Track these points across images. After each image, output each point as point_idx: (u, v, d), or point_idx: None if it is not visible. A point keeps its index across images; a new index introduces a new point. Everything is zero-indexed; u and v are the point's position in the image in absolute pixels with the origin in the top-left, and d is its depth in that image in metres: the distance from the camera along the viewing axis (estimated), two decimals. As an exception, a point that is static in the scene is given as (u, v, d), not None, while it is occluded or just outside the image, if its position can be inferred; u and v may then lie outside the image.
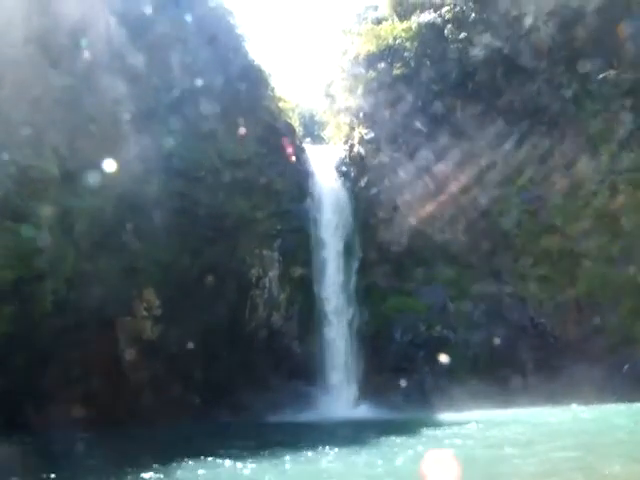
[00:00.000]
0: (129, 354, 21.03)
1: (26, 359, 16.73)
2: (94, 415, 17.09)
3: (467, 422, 16.01)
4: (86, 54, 19.26)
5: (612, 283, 21.86)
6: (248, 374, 21.69)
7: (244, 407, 20.51)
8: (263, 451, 12.59)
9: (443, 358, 21.53)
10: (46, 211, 17.01)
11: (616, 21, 23.17)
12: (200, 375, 21.13)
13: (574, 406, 18.53)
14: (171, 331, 21.60)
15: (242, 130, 24.17)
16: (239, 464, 11.30)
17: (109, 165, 20.67)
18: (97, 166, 20.49)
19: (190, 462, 11.57)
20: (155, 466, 11.18)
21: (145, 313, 21.73)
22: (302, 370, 22.87)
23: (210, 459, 11.75)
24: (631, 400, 18.68)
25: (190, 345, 21.07)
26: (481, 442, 13.18)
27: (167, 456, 12.14)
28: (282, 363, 22.84)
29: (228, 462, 11.53)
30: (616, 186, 22.86)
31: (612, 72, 23.20)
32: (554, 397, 19.08)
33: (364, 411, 21.22)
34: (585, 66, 23.37)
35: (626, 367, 20.39)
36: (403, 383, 21.49)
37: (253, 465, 11.29)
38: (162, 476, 10.63)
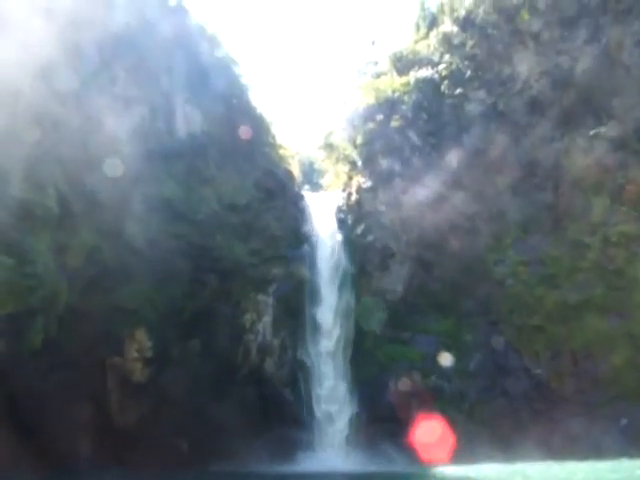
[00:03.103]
0: (117, 396, 20.66)
1: (7, 395, 16.34)
2: (77, 457, 16.61)
3: (462, 477, 15.51)
4: (93, 95, 19.84)
5: (607, 335, 21.75)
6: (238, 421, 21.17)
7: (233, 455, 19.93)
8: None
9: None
10: (43, 247, 17.08)
11: (604, 80, 24.04)
12: (189, 420, 20.60)
13: (571, 462, 18.03)
14: (161, 374, 21.27)
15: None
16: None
17: (109, 204, 21.01)
18: (97, 205, 20.83)
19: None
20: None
21: (136, 354, 21.46)
22: (293, 418, 22.38)
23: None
24: (630, 456, 18.26)
25: (180, 389, 20.72)
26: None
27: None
28: (273, 411, 22.35)
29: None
30: (609, 239, 23.08)
31: (602, 129, 23.87)
32: (551, 451, 18.62)
33: (355, 462, 20.63)
34: (576, 122, 24.10)
35: (624, 422, 19.98)
36: (396, 435, 20.96)
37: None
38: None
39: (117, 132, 21.90)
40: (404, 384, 23.26)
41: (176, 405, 20.45)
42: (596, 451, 18.85)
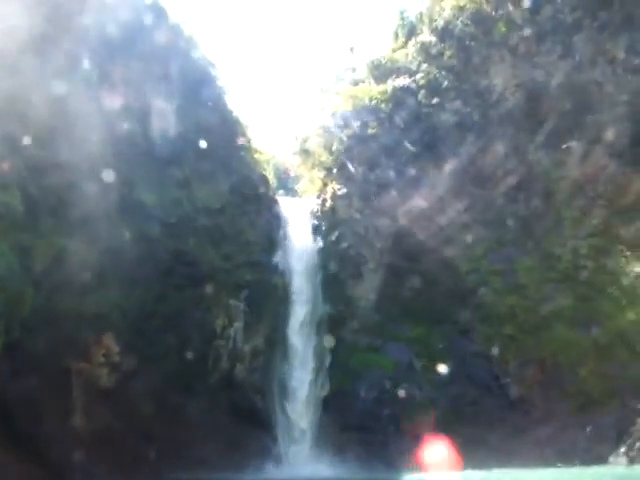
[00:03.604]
0: (82, 403, 20.10)
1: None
2: (38, 467, 16.07)
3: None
4: (63, 94, 19.36)
5: (575, 345, 22.16)
6: (207, 428, 20.83)
7: (201, 462, 19.59)
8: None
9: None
10: (5, 248, 16.54)
11: (577, 96, 24.56)
12: (157, 428, 20.15)
13: (538, 469, 18.32)
14: (129, 380, 20.79)
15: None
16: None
17: (78, 205, 20.50)
18: (65, 206, 20.30)
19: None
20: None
21: (103, 360, 20.93)
22: (263, 425, 22.14)
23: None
24: (595, 463, 18.75)
25: (148, 396, 20.29)
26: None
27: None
28: (243, 417, 22.05)
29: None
30: (578, 251, 23.54)
31: (574, 143, 24.38)
32: (519, 458, 18.84)
33: (325, 470, 20.48)
34: (549, 135, 24.55)
35: (589, 429, 20.36)
36: (366, 442, 20.93)
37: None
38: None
39: (88, 133, 21.46)
40: (375, 392, 23.25)
41: (144, 412, 19.99)
42: (562, 458, 19.22)
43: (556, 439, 20.35)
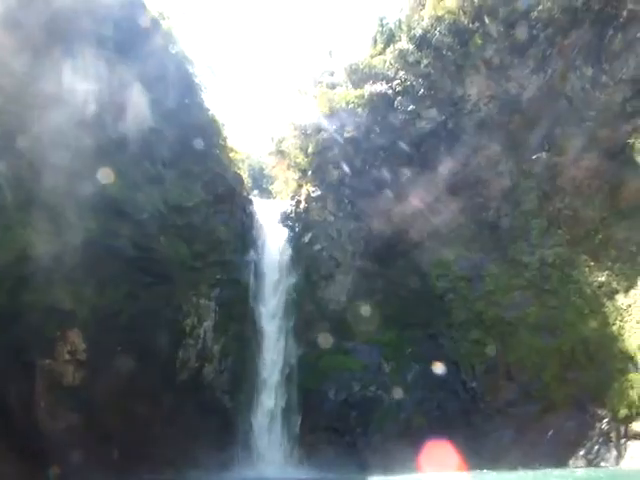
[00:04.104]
0: (46, 400, 19.59)
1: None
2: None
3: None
4: (35, 82, 18.91)
5: (539, 351, 22.75)
6: (174, 428, 20.57)
7: (167, 463, 19.35)
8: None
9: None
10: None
11: (548, 109, 25.27)
12: (122, 427, 19.78)
13: (501, 472, 18.77)
14: (94, 378, 20.36)
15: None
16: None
17: (45, 198, 20.01)
18: (32, 198, 19.81)
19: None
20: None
21: (68, 357, 20.46)
22: (231, 426, 22.00)
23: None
24: (556, 466, 19.37)
25: (114, 395, 19.90)
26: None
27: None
28: (211, 418, 21.87)
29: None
30: (545, 260, 24.19)
31: (544, 154, 25.06)
32: (483, 461, 19.26)
33: (294, 471, 20.51)
34: (521, 147, 25.18)
35: (550, 433, 20.95)
36: (335, 443, 21.06)
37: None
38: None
39: (60, 123, 20.98)
40: (344, 394, 23.39)
41: (109, 411, 19.61)
42: (524, 461, 19.72)
43: (518, 442, 20.87)
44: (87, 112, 21.68)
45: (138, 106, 23.45)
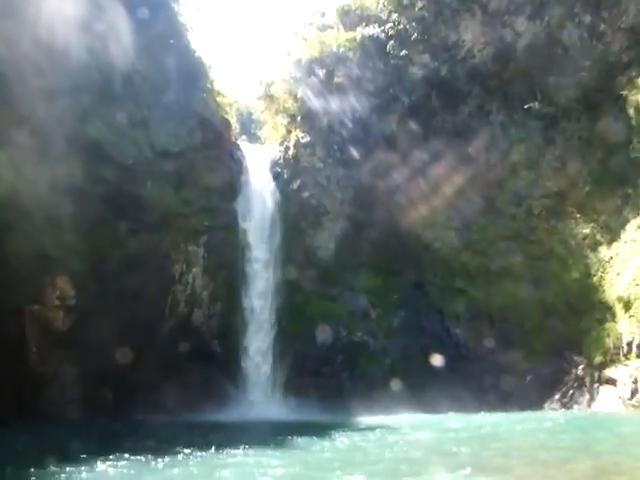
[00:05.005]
0: (36, 345, 19.85)
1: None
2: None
3: (379, 425, 16.55)
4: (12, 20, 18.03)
5: (521, 301, 23.36)
6: (165, 371, 21.04)
7: (159, 404, 19.89)
8: (171, 449, 12.25)
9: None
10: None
11: (543, 58, 24.77)
12: (114, 371, 20.19)
13: (481, 413, 19.68)
14: (84, 323, 20.59)
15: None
16: (137, 464, 10.98)
17: (26, 142, 19.50)
18: (13, 143, 19.30)
19: (89, 462, 10.89)
20: (47, 464, 10.54)
21: (57, 302, 20.58)
22: (221, 369, 22.54)
23: (112, 458, 11.27)
24: (532, 408, 20.37)
25: (103, 340, 20.19)
26: (386, 444, 13.70)
27: (63, 453, 11.49)
28: (201, 361, 22.36)
29: (127, 462, 11.15)
30: (532, 211, 24.41)
31: (536, 104, 24.77)
32: (464, 404, 20.09)
33: (282, 413, 21.20)
34: (513, 96, 24.82)
35: (529, 378, 21.86)
36: (321, 387, 21.76)
37: (153, 465, 10.98)
38: (57, 476, 9.98)
39: (40, 63, 20.17)
40: (330, 339, 23.92)
41: (100, 355, 19.93)
42: (503, 404, 20.70)
43: (498, 387, 21.77)
44: (68, 51, 20.82)
45: (120, 47, 22.53)
